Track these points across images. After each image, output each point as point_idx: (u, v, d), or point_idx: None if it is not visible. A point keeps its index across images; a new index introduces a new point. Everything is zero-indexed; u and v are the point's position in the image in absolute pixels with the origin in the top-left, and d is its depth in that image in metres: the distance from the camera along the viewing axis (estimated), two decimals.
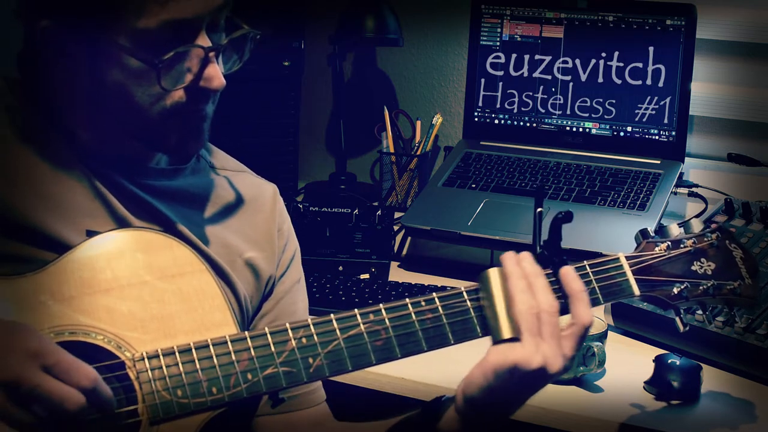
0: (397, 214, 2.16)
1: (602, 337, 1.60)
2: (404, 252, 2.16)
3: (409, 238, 2.16)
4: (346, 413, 1.46)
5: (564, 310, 1.22)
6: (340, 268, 2.02)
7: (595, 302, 1.26)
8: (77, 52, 1.19)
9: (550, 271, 1.24)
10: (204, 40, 1.19)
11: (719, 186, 2.18)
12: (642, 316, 1.74)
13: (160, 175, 1.31)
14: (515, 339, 1.18)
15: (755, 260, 1.37)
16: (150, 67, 1.16)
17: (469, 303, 1.22)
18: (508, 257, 1.23)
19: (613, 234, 1.95)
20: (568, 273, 1.23)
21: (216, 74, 1.20)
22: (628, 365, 1.65)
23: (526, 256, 1.23)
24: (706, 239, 1.34)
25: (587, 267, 1.27)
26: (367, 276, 2.00)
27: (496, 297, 1.21)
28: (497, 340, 1.19)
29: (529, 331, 1.18)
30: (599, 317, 1.66)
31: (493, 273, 1.22)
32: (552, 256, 1.25)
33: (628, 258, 1.30)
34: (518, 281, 1.21)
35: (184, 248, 1.21)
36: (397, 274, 2.06)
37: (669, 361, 1.56)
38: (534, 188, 2.10)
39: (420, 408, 1.29)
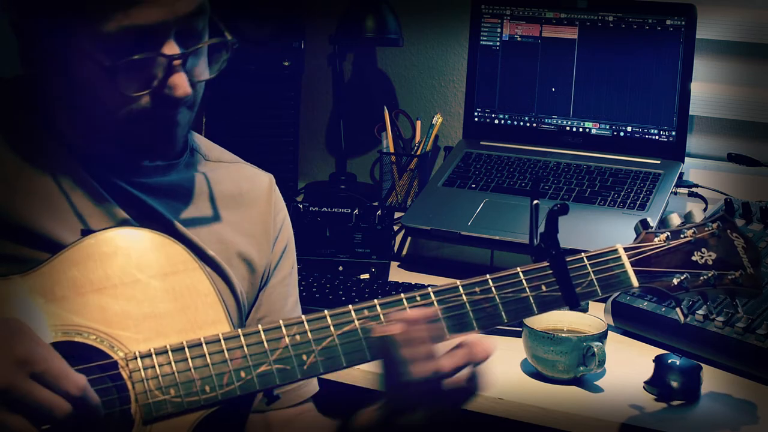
0: (397, 214, 2.16)
1: (602, 337, 1.59)
2: (404, 252, 2.16)
3: (409, 238, 2.15)
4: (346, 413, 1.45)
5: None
6: (340, 268, 2.01)
7: (593, 295, 1.25)
8: (53, 51, 1.18)
9: (546, 264, 1.23)
10: (171, 48, 1.16)
11: (719, 186, 2.18)
12: (642, 316, 1.73)
13: (153, 172, 1.31)
14: None
15: (757, 249, 1.34)
16: (103, 72, 1.14)
17: (464, 297, 1.21)
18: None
19: (613, 234, 1.94)
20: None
21: (180, 83, 1.17)
22: (628, 365, 1.64)
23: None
24: (707, 229, 1.33)
25: (585, 259, 1.26)
26: (367, 276, 2.00)
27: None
28: None
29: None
30: (599, 317, 1.65)
31: None
32: (549, 248, 1.24)
33: (626, 249, 1.28)
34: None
35: (177, 246, 1.20)
36: (397, 274, 2.05)
37: (669, 361, 1.56)
38: (530, 182, 2.10)
39: None
